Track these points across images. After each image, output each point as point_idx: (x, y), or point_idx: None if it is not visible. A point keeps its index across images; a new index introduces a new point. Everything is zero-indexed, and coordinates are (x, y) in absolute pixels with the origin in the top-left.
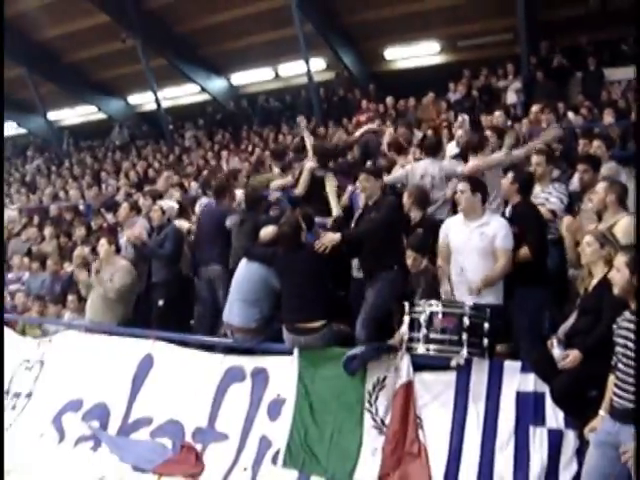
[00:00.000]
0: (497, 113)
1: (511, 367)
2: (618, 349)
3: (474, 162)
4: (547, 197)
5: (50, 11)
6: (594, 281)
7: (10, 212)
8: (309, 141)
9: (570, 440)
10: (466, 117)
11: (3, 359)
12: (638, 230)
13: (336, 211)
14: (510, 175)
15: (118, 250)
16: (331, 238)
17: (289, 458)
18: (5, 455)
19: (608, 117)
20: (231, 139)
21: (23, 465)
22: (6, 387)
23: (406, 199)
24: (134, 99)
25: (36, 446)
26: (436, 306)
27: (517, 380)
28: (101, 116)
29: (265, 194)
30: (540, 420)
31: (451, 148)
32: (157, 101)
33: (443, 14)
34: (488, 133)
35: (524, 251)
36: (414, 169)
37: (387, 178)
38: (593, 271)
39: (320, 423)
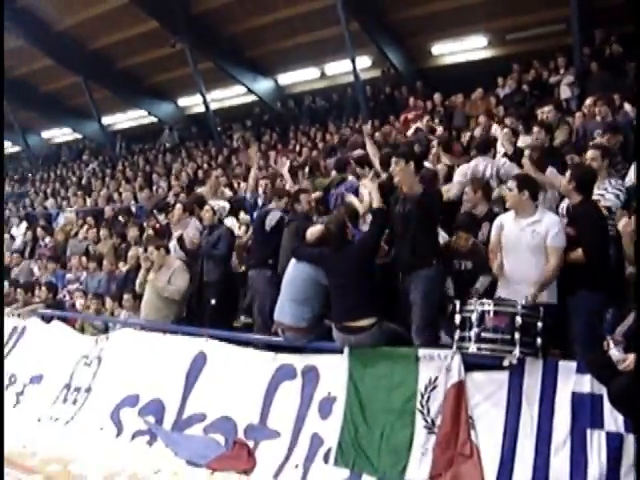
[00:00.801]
0: (546, 108)
1: (566, 367)
2: None
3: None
4: (603, 193)
5: (103, 21)
6: None
7: (68, 214)
8: (372, 149)
9: (631, 444)
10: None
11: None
12: (638, 228)
13: (377, 203)
14: (568, 173)
15: (167, 251)
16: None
17: (340, 456)
18: (67, 446)
19: None
20: (278, 139)
21: (83, 456)
22: (67, 381)
23: (472, 194)
24: (183, 102)
25: (96, 439)
26: (488, 305)
27: (572, 381)
28: (152, 119)
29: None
30: (598, 423)
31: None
32: (205, 103)
33: (489, 7)
34: (535, 129)
35: (577, 253)
36: (463, 171)
37: (449, 194)
38: None
39: (371, 422)
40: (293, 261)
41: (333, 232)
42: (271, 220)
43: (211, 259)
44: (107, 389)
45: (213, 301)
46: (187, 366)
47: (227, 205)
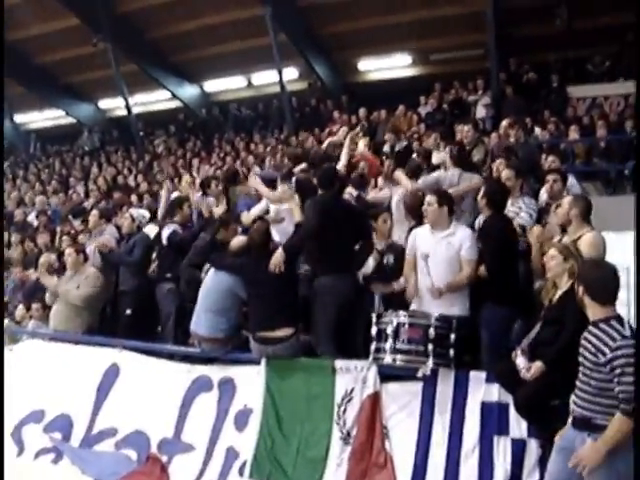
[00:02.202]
0: (465, 127)
1: (476, 377)
2: (579, 359)
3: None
4: (517, 211)
5: (19, 11)
6: (558, 292)
7: None
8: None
9: (533, 449)
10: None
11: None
12: (638, 231)
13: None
14: (482, 189)
15: (86, 259)
16: (276, 260)
17: (256, 469)
18: None
19: (573, 133)
20: (202, 147)
21: None
22: None
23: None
24: (104, 104)
25: None
26: (403, 317)
27: (482, 390)
28: (70, 120)
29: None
30: (504, 430)
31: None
32: (128, 107)
33: (416, 27)
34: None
35: (483, 268)
36: (430, 179)
37: (370, 196)
38: (557, 283)
39: (287, 434)
40: (211, 272)
41: (256, 241)
42: (165, 234)
43: (126, 266)
44: (9, 405)
45: (128, 311)
46: (98, 379)
47: (147, 214)
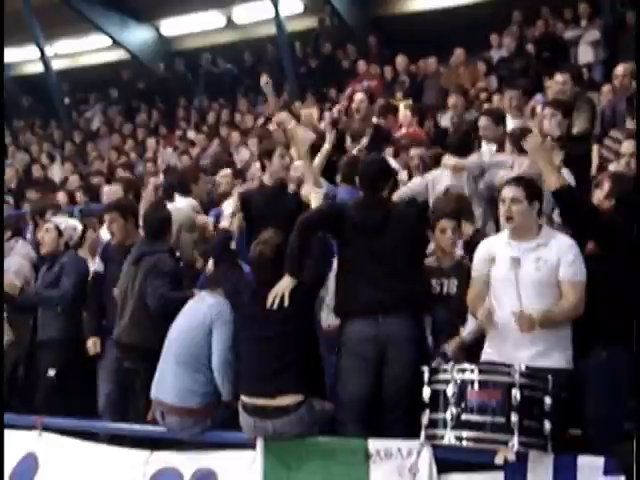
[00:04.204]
0: (558, 77)
1: (589, 465)
2: None
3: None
4: None
5: None
6: None
7: None
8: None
9: None
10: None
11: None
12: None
13: None
14: (606, 185)
15: None
16: (280, 287)
17: None
18: None
19: None
20: (161, 119)
21: None
22: None
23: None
24: (8, 56)
25: None
26: (470, 371)
27: None
28: None
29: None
30: None
31: None
32: (44, 60)
33: None
34: (547, 111)
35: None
36: (435, 179)
37: (401, 191)
38: None
39: None
40: (188, 305)
41: (265, 258)
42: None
43: (48, 306)
44: None
45: (51, 372)
46: (7, 475)
47: (79, 226)
